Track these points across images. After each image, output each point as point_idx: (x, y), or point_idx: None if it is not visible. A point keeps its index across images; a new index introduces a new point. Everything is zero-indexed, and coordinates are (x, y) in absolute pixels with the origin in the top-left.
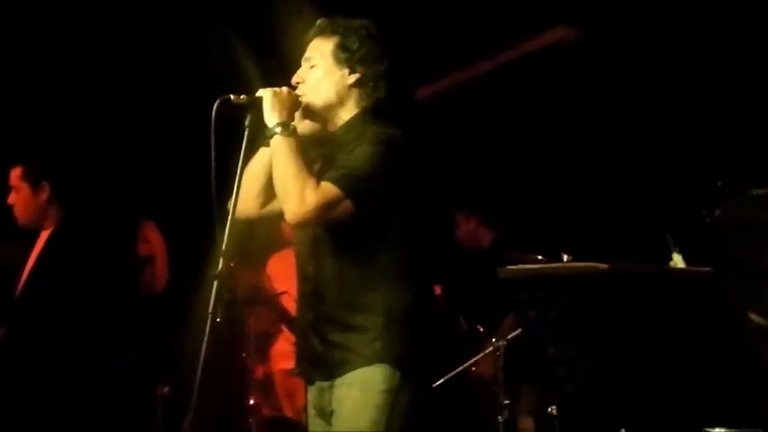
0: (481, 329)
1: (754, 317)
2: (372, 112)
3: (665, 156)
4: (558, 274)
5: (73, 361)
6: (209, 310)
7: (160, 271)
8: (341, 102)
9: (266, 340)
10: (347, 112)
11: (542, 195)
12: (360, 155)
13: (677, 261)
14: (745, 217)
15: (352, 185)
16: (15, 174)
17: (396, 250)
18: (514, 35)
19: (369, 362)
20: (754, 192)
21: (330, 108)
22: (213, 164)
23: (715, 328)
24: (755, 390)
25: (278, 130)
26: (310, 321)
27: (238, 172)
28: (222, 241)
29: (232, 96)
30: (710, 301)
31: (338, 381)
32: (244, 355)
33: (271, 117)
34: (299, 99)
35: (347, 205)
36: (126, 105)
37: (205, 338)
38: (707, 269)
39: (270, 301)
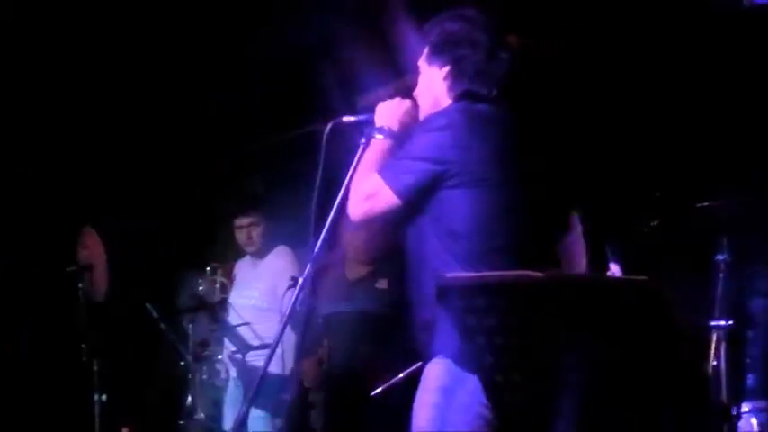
0: None
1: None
2: (462, 99)
3: (603, 166)
4: (495, 283)
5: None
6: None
7: (100, 278)
8: (441, 99)
9: (206, 348)
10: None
11: None
12: (409, 143)
13: (614, 270)
14: (686, 228)
15: (392, 174)
16: None
17: (455, 234)
18: None
19: (433, 356)
20: (696, 205)
21: (436, 108)
22: (318, 184)
23: (651, 335)
24: (690, 398)
25: (377, 133)
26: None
27: (345, 186)
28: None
29: (344, 118)
30: (647, 309)
31: None
32: (182, 363)
33: (377, 123)
34: (412, 108)
35: (389, 195)
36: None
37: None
38: (643, 278)
39: (210, 309)
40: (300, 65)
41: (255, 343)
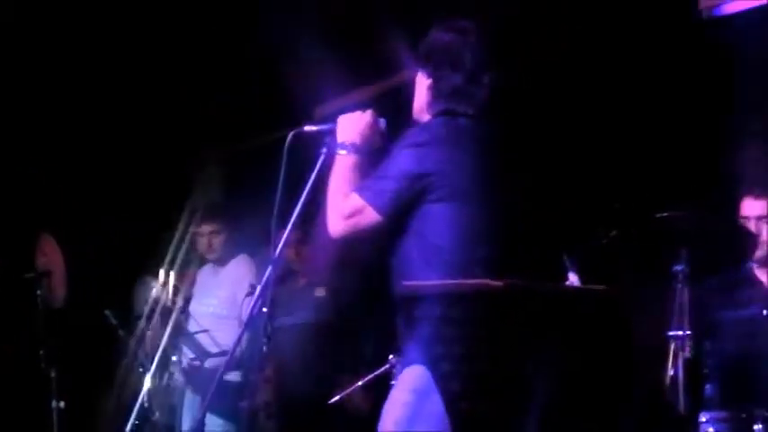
0: None
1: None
2: (440, 116)
3: (561, 176)
4: (454, 292)
5: None
6: None
7: (58, 285)
8: (425, 109)
9: (164, 354)
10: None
11: None
12: (388, 160)
13: (572, 280)
14: (644, 239)
15: (372, 192)
16: None
17: (437, 247)
18: None
19: (409, 362)
20: (655, 216)
21: (421, 118)
22: (279, 194)
23: (609, 344)
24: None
25: (340, 149)
26: None
27: (304, 195)
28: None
29: (306, 127)
30: (605, 319)
31: None
32: (140, 369)
33: (339, 138)
34: (373, 121)
35: (371, 213)
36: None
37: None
38: (602, 287)
39: (167, 315)
40: (300, 65)
41: (214, 350)
